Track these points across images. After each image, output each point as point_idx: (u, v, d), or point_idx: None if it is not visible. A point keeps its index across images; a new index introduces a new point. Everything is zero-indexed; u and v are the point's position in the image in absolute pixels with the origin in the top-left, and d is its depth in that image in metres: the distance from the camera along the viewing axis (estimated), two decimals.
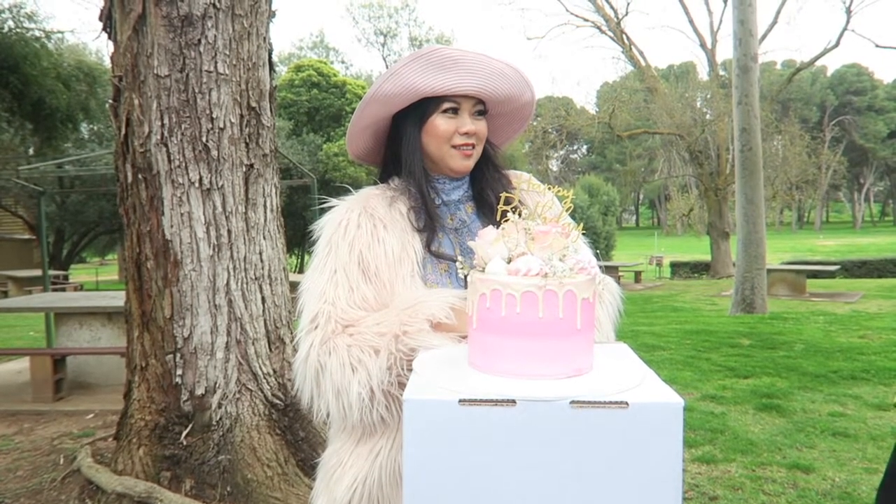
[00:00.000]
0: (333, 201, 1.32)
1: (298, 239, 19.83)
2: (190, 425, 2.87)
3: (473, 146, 1.28)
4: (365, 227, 1.24)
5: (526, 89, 1.31)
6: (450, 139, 1.26)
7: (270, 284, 3.07)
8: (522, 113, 1.38)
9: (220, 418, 2.88)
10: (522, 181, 1.34)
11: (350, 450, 1.19)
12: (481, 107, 1.29)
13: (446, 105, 1.25)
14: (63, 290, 14.29)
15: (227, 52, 2.81)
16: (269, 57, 3.10)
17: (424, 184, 1.29)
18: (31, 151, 15.54)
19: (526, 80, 1.29)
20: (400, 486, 1.14)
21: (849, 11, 20.77)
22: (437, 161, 1.29)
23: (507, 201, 1.08)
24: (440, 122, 1.26)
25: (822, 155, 31.23)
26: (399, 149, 1.32)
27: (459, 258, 1.11)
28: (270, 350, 3.06)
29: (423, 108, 1.26)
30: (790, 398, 4.71)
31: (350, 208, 1.28)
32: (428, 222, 1.27)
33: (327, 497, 1.21)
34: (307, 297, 1.22)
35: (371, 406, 1.10)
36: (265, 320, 3.04)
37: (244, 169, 2.94)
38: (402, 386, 1.08)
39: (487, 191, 1.34)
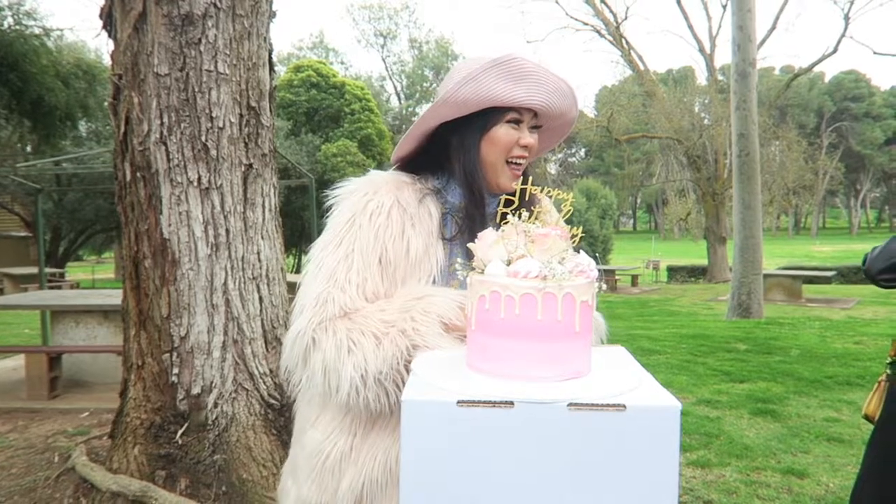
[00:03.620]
0: (357, 180, 1.26)
1: (296, 239, 19.81)
2: (185, 424, 2.86)
3: (524, 160, 1.26)
4: (396, 217, 1.20)
5: (574, 106, 1.29)
6: (509, 150, 1.24)
7: (268, 284, 3.07)
8: (564, 129, 1.36)
9: (216, 418, 2.88)
10: (544, 203, 1.28)
11: (345, 443, 1.17)
12: (537, 121, 1.27)
13: (513, 115, 1.22)
14: (59, 287, 14.25)
15: (228, 52, 2.82)
16: (269, 57, 3.10)
17: (483, 197, 1.24)
18: (29, 149, 15.50)
19: (576, 97, 1.28)
20: (392, 486, 1.14)
21: (847, 18, 20.85)
22: (490, 172, 1.25)
23: (508, 203, 1.08)
24: (503, 133, 1.22)
25: (820, 161, 31.33)
26: (448, 156, 1.27)
27: (458, 260, 1.10)
28: (267, 350, 3.05)
29: (487, 116, 1.22)
30: (785, 403, 4.72)
31: (379, 190, 1.22)
32: (461, 238, 1.22)
33: (318, 485, 1.20)
34: (316, 272, 1.17)
35: (362, 391, 1.07)
36: (262, 320, 3.04)
37: (243, 168, 2.94)
38: (395, 381, 1.08)
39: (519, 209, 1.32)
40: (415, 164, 1.31)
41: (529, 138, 1.24)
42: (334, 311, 1.12)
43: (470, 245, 1.07)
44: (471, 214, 1.24)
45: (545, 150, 1.43)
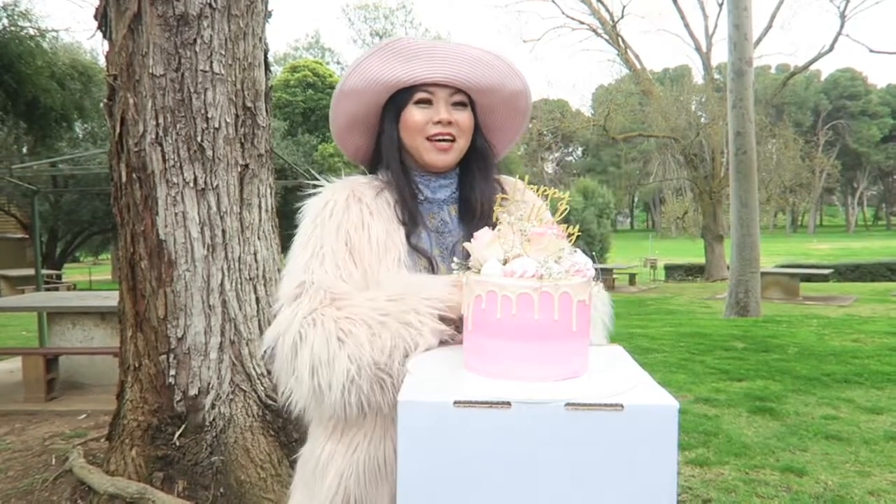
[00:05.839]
0: (323, 183, 1.29)
1: (293, 239, 19.78)
2: (183, 426, 2.85)
3: (453, 139, 1.24)
4: (353, 209, 1.22)
5: (512, 77, 1.26)
6: (423, 130, 1.23)
7: (265, 285, 3.06)
8: (515, 104, 1.31)
9: (214, 419, 2.87)
10: (518, 189, 1.26)
11: (329, 447, 1.14)
12: (461, 97, 1.25)
13: (419, 95, 1.23)
14: (56, 289, 14.22)
15: (223, 52, 2.81)
16: (265, 57, 3.09)
17: (402, 178, 1.26)
18: (24, 150, 15.47)
19: (510, 66, 1.24)
20: (380, 483, 1.10)
21: (843, 16, 20.88)
22: (415, 155, 1.27)
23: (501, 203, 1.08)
24: (412, 114, 1.23)
25: (816, 159, 31.34)
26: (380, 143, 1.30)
27: (455, 259, 1.09)
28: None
29: (397, 100, 1.24)
30: (783, 401, 4.72)
31: (336, 191, 1.25)
32: (409, 217, 1.24)
33: (308, 491, 1.18)
34: (289, 269, 1.18)
35: (357, 382, 1.03)
36: (259, 321, 3.03)
37: (239, 169, 2.93)
38: (391, 374, 1.04)
39: (474, 194, 1.29)
40: (374, 161, 1.34)
41: (445, 114, 1.23)
42: (319, 298, 1.10)
43: (466, 245, 1.07)
44: (405, 196, 1.25)
45: (515, 134, 1.38)
